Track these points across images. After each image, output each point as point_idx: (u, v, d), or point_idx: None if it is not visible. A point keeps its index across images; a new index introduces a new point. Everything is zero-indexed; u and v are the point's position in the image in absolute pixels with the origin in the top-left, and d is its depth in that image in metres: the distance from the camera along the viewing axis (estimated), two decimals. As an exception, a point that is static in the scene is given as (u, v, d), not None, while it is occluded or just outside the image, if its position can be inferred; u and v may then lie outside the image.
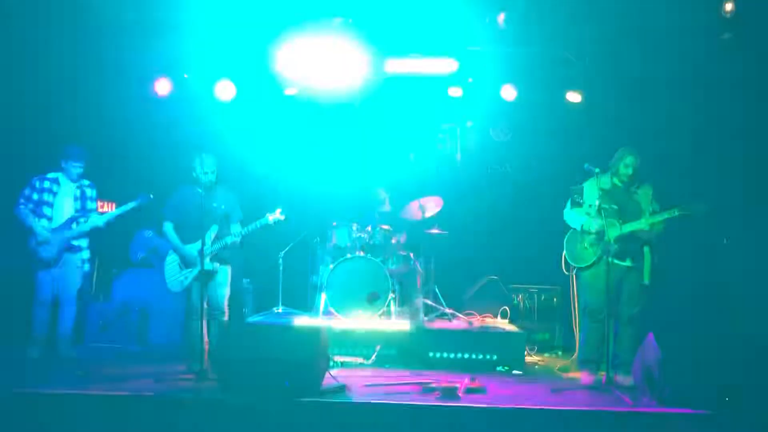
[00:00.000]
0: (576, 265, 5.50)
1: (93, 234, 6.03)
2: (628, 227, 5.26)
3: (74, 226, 5.87)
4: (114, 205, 6.11)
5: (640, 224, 5.24)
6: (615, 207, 5.34)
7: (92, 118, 7.15)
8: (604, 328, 5.22)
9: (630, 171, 5.36)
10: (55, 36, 6.61)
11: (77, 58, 6.84)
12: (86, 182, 6.06)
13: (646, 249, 5.35)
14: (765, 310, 5.64)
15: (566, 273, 5.60)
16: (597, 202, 5.25)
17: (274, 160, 7.82)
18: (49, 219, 5.86)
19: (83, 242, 5.97)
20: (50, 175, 5.95)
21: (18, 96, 6.85)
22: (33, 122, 6.96)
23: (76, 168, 5.90)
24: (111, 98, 7.13)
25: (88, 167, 6.06)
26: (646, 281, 5.32)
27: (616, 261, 5.26)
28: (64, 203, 5.91)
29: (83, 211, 5.95)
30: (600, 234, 5.28)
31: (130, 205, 5.94)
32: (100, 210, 6.20)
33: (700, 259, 6.47)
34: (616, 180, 5.45)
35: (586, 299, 5.45)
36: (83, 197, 5.98)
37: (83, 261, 5.97)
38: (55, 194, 5.89)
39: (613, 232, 5.24)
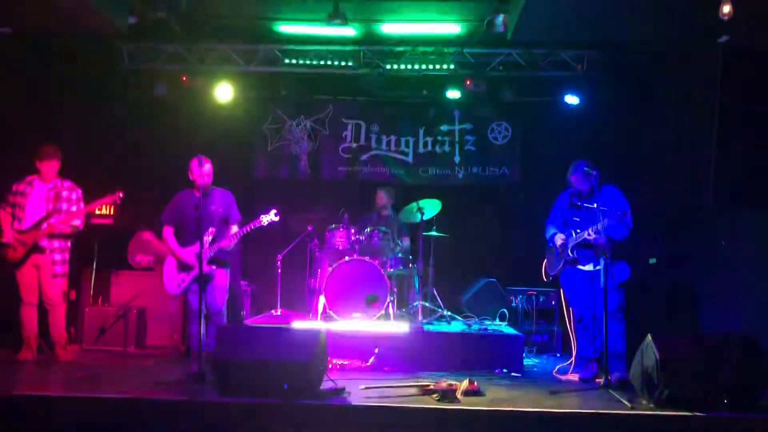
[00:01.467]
0: (551, 274, 5.64)
1: (72, 235, 5.91)
2: (581, 236, 5.30)
3: (44, 227, 5.76)
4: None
5: (590, 234, 5.24)
6: (577, 219, 5.40)
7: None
8: (592, 330, 5.39)
9: (579, 188, 5.39)
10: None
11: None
12: (66, 184, 5.93)
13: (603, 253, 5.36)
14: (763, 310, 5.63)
15: (545, 279, 5.72)
16: (595, 205, 5.26)
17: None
18: (21, 221, 5.80)
19: (54, 243, 5.81)
20: (28, 178, 5.89)
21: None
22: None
23: (46, 168, 5.80)
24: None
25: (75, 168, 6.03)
26: (611, 282, 5.34)
27: (579, 267, 5.41)
28: (35, 205, 5.81)
29: (54, 212, 5.80)
30: (563, 244, 5.44)
31: (97, 204, 5.87)
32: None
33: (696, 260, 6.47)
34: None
35: (569, 303, 5.62)
36: (57, 198, 5.84)
37: (54, 262, 5.82)
38: (27, 196, 5.82)
39: (571, 241, 5.37)
